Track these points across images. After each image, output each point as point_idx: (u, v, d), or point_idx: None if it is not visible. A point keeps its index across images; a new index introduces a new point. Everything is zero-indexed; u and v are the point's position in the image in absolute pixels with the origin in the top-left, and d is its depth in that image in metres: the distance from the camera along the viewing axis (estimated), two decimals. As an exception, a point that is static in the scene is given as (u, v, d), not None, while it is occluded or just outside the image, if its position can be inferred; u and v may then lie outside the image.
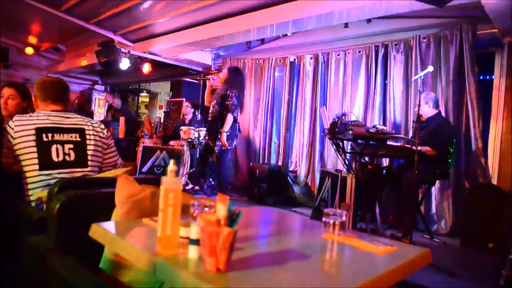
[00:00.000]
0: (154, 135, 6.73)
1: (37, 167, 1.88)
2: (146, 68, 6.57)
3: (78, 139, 2.00)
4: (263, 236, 1.33)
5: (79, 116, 2.10)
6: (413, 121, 3.98)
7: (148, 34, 6.12)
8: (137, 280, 1.19)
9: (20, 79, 8.27)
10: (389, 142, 3.56)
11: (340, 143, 3.80)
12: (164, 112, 7.42)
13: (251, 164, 5.66)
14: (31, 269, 1.48)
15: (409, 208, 3.43)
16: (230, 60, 6.33)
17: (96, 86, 10.26)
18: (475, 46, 3.97)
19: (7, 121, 2.42)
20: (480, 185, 3.82)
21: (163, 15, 5.26)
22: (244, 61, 6.18)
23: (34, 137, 1.89)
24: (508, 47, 3.98)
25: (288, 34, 5.05)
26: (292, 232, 1.46)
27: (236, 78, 4.69)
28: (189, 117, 6.25)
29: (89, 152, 2.02)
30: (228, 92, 4.54)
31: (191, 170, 5.49)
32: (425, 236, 3.76)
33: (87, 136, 2.04)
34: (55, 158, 1.91)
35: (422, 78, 3.27)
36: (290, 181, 5.41)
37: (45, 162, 1.89)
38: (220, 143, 4.57)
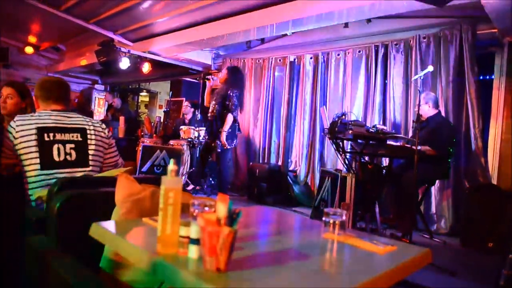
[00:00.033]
0: (154, 135, 6.73)
1: (38, 166, 1.88)
2: (146, 67, 6.57)
3: (80, 138, 2.01)
4: (263, 235, 1.33)
5: (80, 115, 2.10)
6: (413, 121, 3.98)
7: (148, 33, 6.12)
8: (137, 280, 1.19)
9: (19, 78, 8.26)
10: (389, 142, 3.56)
11: (340, 143, 3.80)
12: (164, 111, 7.44)
13: (251, 163, 5.67)
14: (31, 268, 1.48)
15: (409, 207, 3.43)
16: (230, 60, 6.33)
17: (96, 86, 10.26)
18: (475, 46, 3.97)
19: (7, 120, 2.42)
20: (480, 185, 3.83)
21: (163, 14, 5.26)
22: (244, 60, 6.18)
23: (35, 137, 1.89)
24: (508, 47, 3.98)
25: (288, 34, 5.04)
26: (292, 232, 1.46)
27: (236, 77, 4.69)
28: (189, 116, 6.25)
29: (90, 152, 2.02)
30: (229, 92, 4.53)
31: (191, 170, 5.49)
32: (425, 235, 3.76)
33: (89, 136, 2.04)
34: (56, 158, 1.92)
35: (422, 78, 3.27)
36: (290, 181, 5.41)
37: (47, 162, 1.89)
38: (220, 143, 4.57)
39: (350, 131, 3.32)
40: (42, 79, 2.19)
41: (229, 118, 4.53)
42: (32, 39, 7.63)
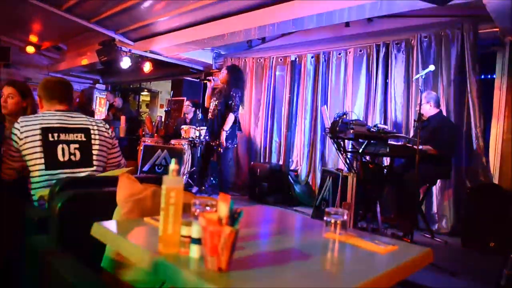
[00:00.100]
0: (155, 134, 6.73)
1: (43, 166, 1.88)
2: (147, 67, 6.57)
3: (84, 139, 2.01)
4: (264, 235, 1.33)
5: (84, 115, 2.11)
6: (414, 120, 3.99)
7: (149, 33, 6.12)
8: (138, 279, 1.19)
9: (21, 78, 8.28)
10: (390, 141, 3.55)
11: (341, 142, 3.79)
12: (165, 111, 7.44)
13: (252, 163, 5.67)
14: (33, 268, 1.48)
15: (410, 207, 3.43)
16: (231, 59, 6.32)
17: (97, 85, 10.27)
18: (476, 45, 3.96)
19: (8, 119, 2.43)
20: (481, 185, 3.82)
21: (164, 14, 5.26)
22: (245, 60, 6.18)
23: (40, 137, 1.90)
24: (510, 46, 3.97)
25: (289, 32, 5.05)
26: (293, 231, 1.46)
27: (236, 76, 4.70)
28: (190, 116, 6.25)
29: (94, 152, 2.03)
30: (231, 93, 4.54)
31: (192, 169, 5.49)
32: (426, 235, 3.76)
33: (92, 136, 2.04)
34: (61, 158, 1.92)
35: (423, 77, 3.26)
36: (291, 180, 5.41)
37: (51, 162, 1.90)
38: (220, 142, 4.57)
39: (351, 131, 3.32)
40: (45, 79, 2.20)
41: (231, 117, 4.54)
42: (33, 38, 7.64)
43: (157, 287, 1.11)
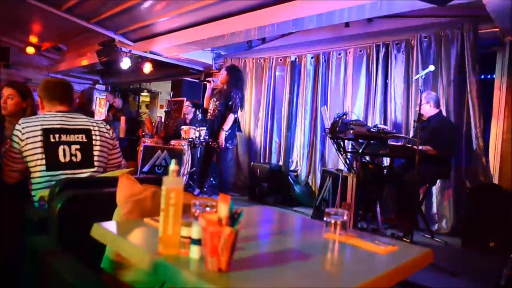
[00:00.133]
0: (155, 135, 6.73)
1: (44, 167, 1.88)
2: (147, 67, 6.57)
3: (85, 140, 2.01)
4: (264, 235, 1.33)
5: (84, 116, 2.11)
6: (414, 121, 3.99)
7: (149, 33, 6.12)
8: (138, 280, 1.19)
9: (20, 78, 8.28)
10: (390, 142, 3.56)
11: (341, 143, 3.80)
12: (165, 111, 7.43)
13: (252, 163, 5.66)
14: (33, 268, 1.48)
15: (410, 207, 3.43)
16: (231, 60, 6.33)
17: (97, 86, 10.27)
18: (476, 45, 3.96)
19: (8, 120, 2.43)
20: (481, 185, 3.82)
21: (164, 14, 5.27)
22: (245, 60, 6.18)
23: (41, 138, 1.90)
24: (510, 47, 3.97)
25: (289, 32, 5.05)
26: (293, 232, 1.46)
27: (236, 76, 4.71)
28: (190, 116, 6.25)
29: (95, 153, 2.03)
30: (232, 94, 4.55)
31: (192, 170, 5.49)
32: (426, 235, 3.76)
33: (93, 137, 2.05)
34: (62, 159, 1.92)
35: (423, 77, 3.26)
36: (291, 181, 5.41)
37: (52, 163, 1.90)
38: (219, 142, 4.58)
39: (351, 131, 3.32)
40: (45, 80, 2.20)
41: (230, 118, 4.54)
42: (33, 39, 7.64)
43: (157, 288, 1.11)
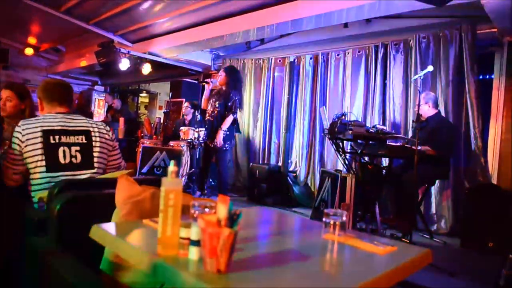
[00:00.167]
0: (154, 136, 6.72)
1: (44, 169, 1.88)
2: (146, 68, 6.57)
3: (84, 141, 2.01)
4: (263, 236, 1.33)
5: (84, 118, 2.11)
6: (413, 121, 3.99)
7: (147, 34, 6.12)
8: (137, 281, 1.19)
9: (19, 80, 8.27)
10: (388, 142, 3.56)
11: (340, 143, 3.80)
12: (163, 112, 7.43)
13: (251, 164, 5.66)
14: (33, 268, 1.48)
15: (409, 208, 3.43)
16: (230, 61, 6.33)
17: (96, 87, 10.26)
18: (474, 45, 3.97)
19: (7, 121, 2.43)
20: (480, 185, 3.83)
21: (162, 15, 5.27)
22: (243, 61, 6.18)
23: (41, 139, 1.90)
24: (508, 47, 3.98)
25: (288, 33, 5.05)
26: (292, 233, 1.46)
27: (235, 77, 4.70)
28: (189, 117, 6.24)
29: (95, 154, 2.03)
30: (231, 95, 4.55)
31: (191, 171, 5.49)
32: (425, 236, 3.76)
33: (93, 138, 2.05)
34: (62, 160, 1.92)
35: (421, 78, 3.27)
36: (290, 181, 5.41)
37: (52, 164, 1.90)
38: (216, 141, 4.58)
39: (350, 132, 3.33)
40: (45, 81, 2.19)
41: (229, 118, 4.54)
42: (32, 40, 7.64)
43: (156, 289, 1.11)
